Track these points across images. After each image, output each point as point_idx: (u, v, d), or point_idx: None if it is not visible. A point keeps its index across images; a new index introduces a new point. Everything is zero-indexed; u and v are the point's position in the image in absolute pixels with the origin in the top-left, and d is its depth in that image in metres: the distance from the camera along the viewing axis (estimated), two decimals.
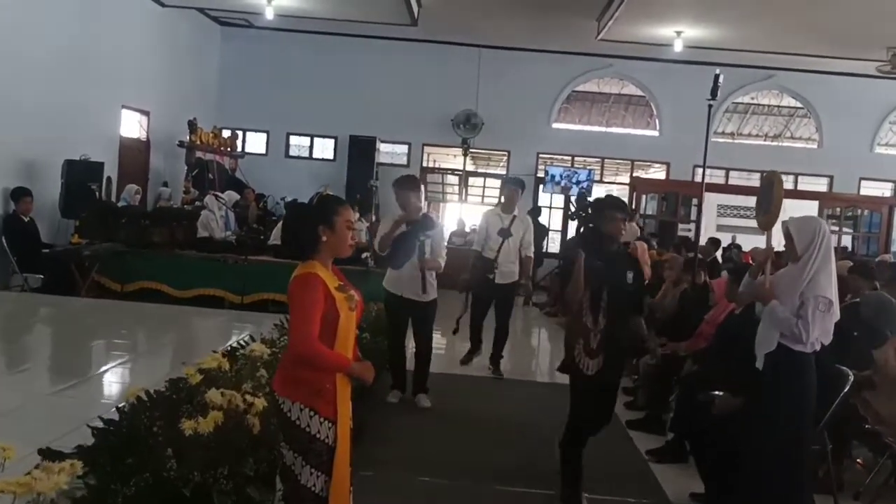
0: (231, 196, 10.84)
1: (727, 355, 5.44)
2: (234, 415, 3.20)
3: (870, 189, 15.73)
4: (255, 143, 15.91)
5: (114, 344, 7.06)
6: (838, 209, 15.37)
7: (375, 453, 4.94)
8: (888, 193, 15.70)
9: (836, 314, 3.87)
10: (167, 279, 9.56)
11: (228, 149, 13.64)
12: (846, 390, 4.11)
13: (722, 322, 5.77)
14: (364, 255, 9.73)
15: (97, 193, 9.92)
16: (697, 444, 4.88)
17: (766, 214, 4.25)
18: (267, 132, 15.85)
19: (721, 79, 7.08)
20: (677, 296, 7.29)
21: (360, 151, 14.70)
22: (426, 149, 15.93)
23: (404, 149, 15.77)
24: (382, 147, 15.24)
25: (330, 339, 2.82)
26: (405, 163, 15.64)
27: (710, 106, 7.21)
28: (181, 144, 12.03)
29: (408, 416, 6.04)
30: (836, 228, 15.31)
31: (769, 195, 4.26)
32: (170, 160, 13.21)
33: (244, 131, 15.63)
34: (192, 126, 11.99)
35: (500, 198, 7.81)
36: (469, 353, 7.75)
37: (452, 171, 16.27)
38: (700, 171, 16.26)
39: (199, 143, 12.16)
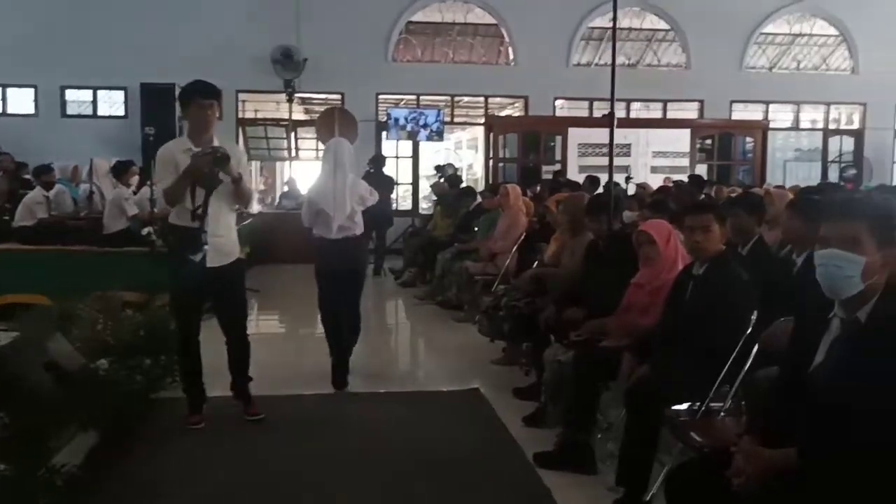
0: None
1: (693, 337, 3.40)
2: None
3: (741, 113, 14.46)
4: (20, 100, 12.60)
5: None
6: (709, 139, 13.93)
7: None
8: (760, 116, 14.45)
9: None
10: None
11: None
12: None
13: (675, 283, 3.70)
14: (146, 230, 7.12)
15: None
16: None
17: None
18: (34, 87, 12.57)
19: None
20: (580, 251, 5.20)
21: (156, 104, 11.70)
22: (242, 96, 13.14)
23: None
24: None
25: None
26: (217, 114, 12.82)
27: None
28: None
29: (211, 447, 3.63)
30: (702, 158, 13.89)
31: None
32: None
33: (3, 87, 12.34)
34: None
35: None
36: None
37: (277, 122, 13.59)
38: (561, 102, 14.64)
39: None
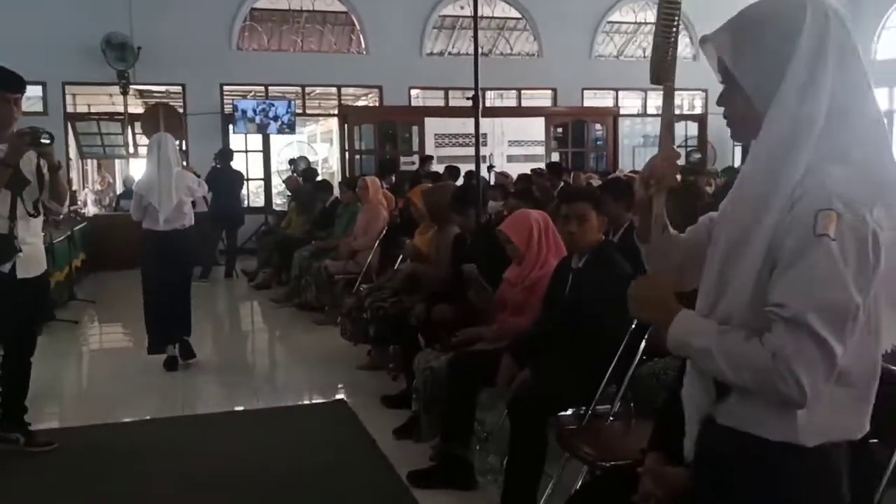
0: None
1: (575, 336, 3.16)
2: None
3: (591, 100, 14.69)
4: None
5: None
6: (560, 127, 14.05)
7: None
8: (610, 103, 14.73)
9: None
10: None
11: None
12: None
13: (553, 278, 3.45)
14: None
15: None
16: None
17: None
18: None
19: None
20: (446, 245, 4.90)
21: None
22: (70, 89, 12.00)
23: (37, 91, 11.68)
24: None
25: None
26: (41, 109, 11.62)
27: None
28: None
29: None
30: (556, 145, 14.02)
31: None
32: None
33: None
34: None
35: None
36: None
37: (112, 117, 12.52)
38: (415, 92, 14.35)
39: None
